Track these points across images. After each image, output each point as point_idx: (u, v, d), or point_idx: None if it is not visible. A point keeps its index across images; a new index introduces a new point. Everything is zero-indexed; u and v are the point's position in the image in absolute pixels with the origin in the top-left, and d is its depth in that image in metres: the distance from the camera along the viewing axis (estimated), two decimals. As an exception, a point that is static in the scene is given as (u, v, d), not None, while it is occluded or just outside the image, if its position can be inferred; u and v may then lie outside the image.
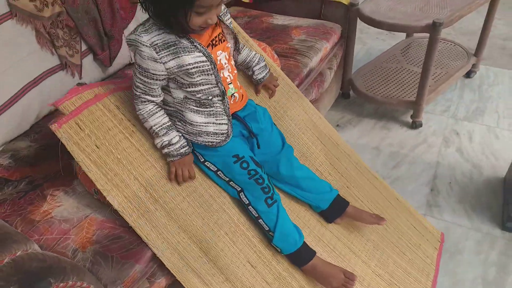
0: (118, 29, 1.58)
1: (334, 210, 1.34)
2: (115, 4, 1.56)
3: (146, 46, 1.01)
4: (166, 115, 1.13)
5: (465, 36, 2.98)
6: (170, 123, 1.13)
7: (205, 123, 1.14)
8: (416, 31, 1.89)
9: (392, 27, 1.91)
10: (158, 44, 1.01)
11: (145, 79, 1.05)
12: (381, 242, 1.42)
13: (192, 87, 1.08)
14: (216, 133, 1.15)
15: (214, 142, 1.15)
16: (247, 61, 1.32)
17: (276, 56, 1.58)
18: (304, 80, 1.77)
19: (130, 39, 1.03)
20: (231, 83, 1.18)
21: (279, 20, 2.08)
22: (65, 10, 1.40)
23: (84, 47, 1.50)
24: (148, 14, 1.01)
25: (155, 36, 1.01)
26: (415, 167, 1.92)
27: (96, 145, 1.06)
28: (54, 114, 1.42)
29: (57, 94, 1.39)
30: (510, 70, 2.59)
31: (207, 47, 1.08)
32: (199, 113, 1.13)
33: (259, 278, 1.18)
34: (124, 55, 1.66)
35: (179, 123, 1.15)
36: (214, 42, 1.10)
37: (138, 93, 1.08)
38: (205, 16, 0.98)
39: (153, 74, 1.04)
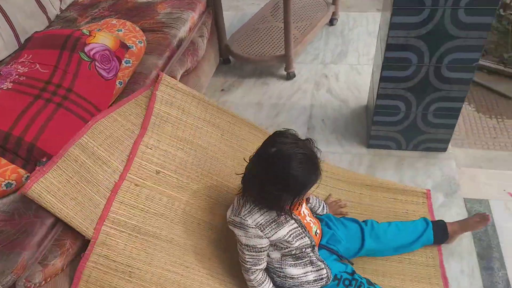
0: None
1: (439, 239, 1.49)
2: None
3: (252, 227, 1.15)
4: (271, 282, 1.28)
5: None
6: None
7: (304, 273, 1.27)
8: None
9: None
10: (262, 223, 1.16)
11: (254, 254, 1.20)
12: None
13: (289, 248, 1.22)
14: (316, 280, 1.28)
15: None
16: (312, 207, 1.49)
17: (138, 28, 1.67)
18: (176, 50, 1.87)
19: (235, 222, 1.17)
20: (311, 223, 1.31)
21: (144, -2, 2.15)
22: None
23: None
24: (248, 194, 1.15)
25: (259, 217, 1.16)
26: (293, 112, 2.15)
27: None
28: None
29: None
30: (367, 12, 2.93)
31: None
32: (296, 266, 1.27)
33: None
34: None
35: (278, 279, 1.28)
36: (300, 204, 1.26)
37: (248, 266, 1.22)
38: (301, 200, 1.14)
39: (260, 248, 1.19)
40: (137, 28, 1.66)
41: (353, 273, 1.32)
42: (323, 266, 1.27)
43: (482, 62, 2.50)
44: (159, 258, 1.26)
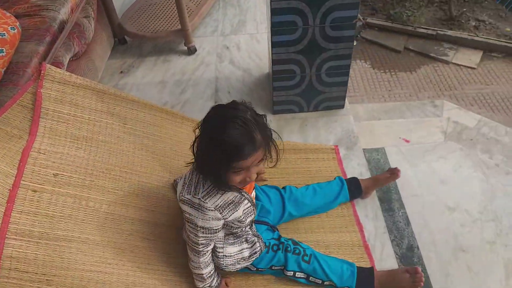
0: None
1: (354, 196, 1.57)
2: None
3: (211, 210, 1.11)
4: (212, 262, 1.28)
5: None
6: (214, 268, 1.30)
7: (239, 251, 1.29)
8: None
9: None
10: (221, 206, 1.13)
11: (208, 235, 1.17)
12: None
13: (237, 228, 1.23)
14: (251, 255, 1.31)
15: (251, 263, 1.33)
16: None
17: (9, 14, 1.52)
18: (59, 34, 1.74)
19: (192, 202, 1.11)
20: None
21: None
22: None
23: None
24: (201, 174, 1.10)
25: (218, 199, 1.12)
26: (198, 87, 2.13)
27: None
28: None
29: None
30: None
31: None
32: (234, 244, 1.28)
33: None
34: None
35: (215, 259, 1.28)
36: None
37: (201, 249, 1.19)
38: (243, 175, 1.06)
39: (216, 229, 1.16)
40: (8, 14, 1.51)
41: (279, 237, 1.39)
42: (256, 240, 1.31)
43: (372, 20, 2.64)
44: (77, 261, 1.21)
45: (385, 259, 1.47)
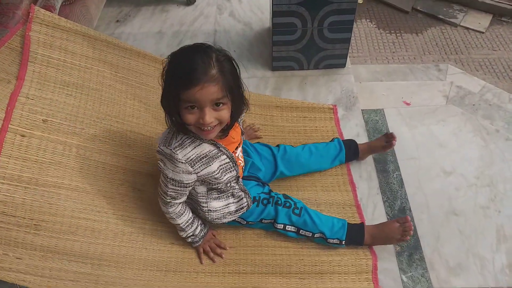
0: None
1: (349, 158, 1.54)
2: None
3: (182, 162, 1.08)
4: (190, 211, 1.26)
5: None
6: (193, 215, 1.27)
7: (226, 205, 1.27)
8: None
9: None
10: (193, 159, 1.09)
11: (178, 188, 1.13)
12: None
13: (217, 184, 1.19)
14: (237, 210, 1.29)
15: (239, 217, 1.32)
16: None
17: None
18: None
19: (165, 153, 1.09)
20: (239, 157, 1.28)
21: None
22: None
23: None
24: (170, 123, 1.06)
25: (190, 151, 1.08)
26: (196, 39, 2.05)
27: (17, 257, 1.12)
28: None
29: None
30: None
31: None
32: (220, 199, 1.25)
33: None
34: None
35: (201, 213, 1.27)
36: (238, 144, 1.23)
37: (168, 200, 1.17)
38: (197, 114, 1.00)
39: (186, 183, 1.12)
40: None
41: (269, 192, 1.37)
42: (243, 195, 1.29)
43: (380, -24, 2.52)
44: (65, 207, 1.21)
45: (376, 219, 1.46)
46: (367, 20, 2.37)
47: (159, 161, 1.14)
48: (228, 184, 1.24)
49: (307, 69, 1.87)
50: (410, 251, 1.42)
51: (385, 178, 1.59)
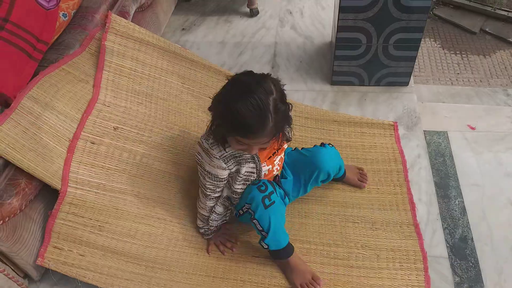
0: None
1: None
2: None
3: (216, 158, 1.12)
4: (222, 207, 1.26)
5: None
6: (221, 214, 1.27)
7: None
8: None
9: None
10: (227, 156, 1.13)
11: (214, 182, 1.17)
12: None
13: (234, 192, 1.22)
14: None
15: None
16: None
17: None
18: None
19: (203, 146, 1.14)
20: (275, 170, 1.27)
21: None
22: None
23: None
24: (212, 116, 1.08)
25: (225, 148, 1.12)
26: (257, 51, 2.05)
27: (80, 254, 1.17)
28: None
29: None
30: None
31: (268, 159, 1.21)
32: (226, 208, 1.29)
33: None
34: None
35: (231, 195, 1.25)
36: (273, 154, 1.22)
37: (208, 193, 1.20)
38: (244, 146, 1.05)
39: (221, 178, 1.16)
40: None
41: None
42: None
43: (448, -4, 2.44)
44: (129, 212, 1.25)
45: (435, 246, 1.37)
46: (431, 39, 2.28)
47: (196, 153, 1.18)
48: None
49: (368, 85, 1.81)
50: (471, 283, 1.32)
51: (446, 204, 1.50)
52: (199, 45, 2.09)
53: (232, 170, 1.16)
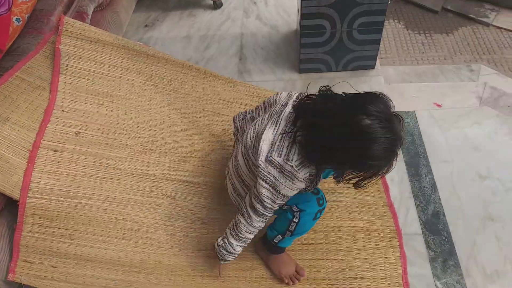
0: None
1: None
2: None
3: (301, 181, 0.99)
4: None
5: None
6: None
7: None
8: None
9: None
10: (308, 178, 1.01)
11: (281, 203, 1.05)
12: None
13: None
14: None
15: None
16: None
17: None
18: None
19: (281, 166, 0.98)
20: None
21: None
22: None
23: None
24: (303, 142, 0.95)
25: (309, 171, 0.99)
26: (223, 43, 2.01)
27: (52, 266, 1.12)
28: None
29: None
30: None
31: None
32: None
33: None
34: None
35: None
36: None
37: (269, 215, 1.08)
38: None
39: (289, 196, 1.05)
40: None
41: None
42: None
43: (408, -24, 2.45)
44: (97, 218, 1.21)
45: (409, 224, 1.40)
46: (395, 20, 2.30)
47: (269, 174, 0.99)
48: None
49: (335, 71, 1.80)
50: (445, 257, 1.35)
51: (418, 181, 1.52)
52: (164, 41, 2.04)
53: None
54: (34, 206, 1.13)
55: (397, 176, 1.50)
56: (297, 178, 0.97)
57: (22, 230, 1.11)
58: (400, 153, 1.55)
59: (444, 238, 1.39)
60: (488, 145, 1.59)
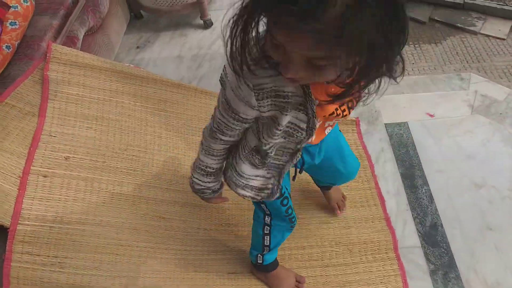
0: None
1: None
2: None
3: (248, 85, 0.70)
4: (222, 162, 0.94)
5: None
6: (219, 171, 0.95)
7: (254, 175, 0.92)
8: None
9: None
10: (266, 90, 0.71)
11: (229, 119, 0.79)
12: None
13: (265, 145, 0.84)
14: (260, 189, 0.95)
15: (254, 198, 0.96)
16: None
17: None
18: (73, 8, 1.66)
19: (234, 67, 0.69)
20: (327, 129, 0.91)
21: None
22: None
23: None
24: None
25: (267, 77, 0.69)
26: (215, 62, 2.02)
27: None
28: None
29: None
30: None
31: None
32: (253, 166, 0.91)
33: None
34: None
35: (228, 172, 0.94)
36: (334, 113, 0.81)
37: (214, 130, 0.84)
38: (281, 54, 0.62)
39: (242, 118, 0.78)
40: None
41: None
42: (277, 177, 0.95)
43: (395, -12, 2.47)
44: (88, 243, 1.17)
45: (408, 237, 1.38)
46: (384, 32, 2.32)
47: (223, 68, 0.76)
48: (281, 154, 0.90)
49: (326, 85, 1.82)
50: (445, 269, 1.33)
51: (414, 193, 1.51)
52: (156, 62, 2.04)
53: (265, 115, 0.76)
54: (24, 233, 1.10)
55: (393, 188, 1.49)
56: (245, 77, 0.70)
57: (11, 260, 1.07)
58: (395, 166, 1.56)
59: (443, 250, 1.37)
60: (481, 153, 1.58)
